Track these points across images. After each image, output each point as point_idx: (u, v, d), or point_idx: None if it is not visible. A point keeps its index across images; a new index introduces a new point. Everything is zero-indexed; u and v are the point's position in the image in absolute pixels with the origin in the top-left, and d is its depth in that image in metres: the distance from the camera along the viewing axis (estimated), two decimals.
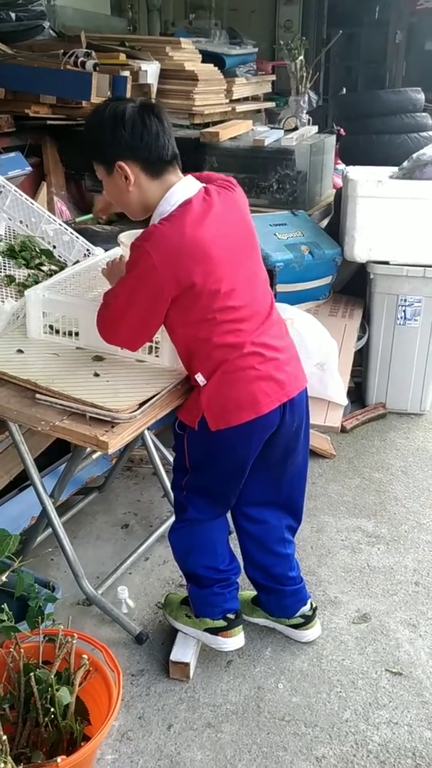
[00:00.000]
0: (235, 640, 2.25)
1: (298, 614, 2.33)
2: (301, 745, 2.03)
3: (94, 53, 3.69)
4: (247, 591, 2.44)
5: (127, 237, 2.36)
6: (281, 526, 2.26)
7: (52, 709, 1.77)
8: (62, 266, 2.56)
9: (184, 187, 1.92)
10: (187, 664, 2.21)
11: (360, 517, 3.03)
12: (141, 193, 1.93)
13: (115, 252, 2.54)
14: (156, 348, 2.13)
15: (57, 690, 1.78)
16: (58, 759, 1.67)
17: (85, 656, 1.85)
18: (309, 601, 2.35)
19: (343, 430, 3.62)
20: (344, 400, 3.39)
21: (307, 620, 2.34)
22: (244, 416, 1.93)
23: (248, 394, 1.92)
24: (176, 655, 2.23)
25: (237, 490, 2.12)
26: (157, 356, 2.13)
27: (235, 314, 1.90)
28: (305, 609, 2.33)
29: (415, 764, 1.98)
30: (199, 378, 1.94)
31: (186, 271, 1.81)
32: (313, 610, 2.35)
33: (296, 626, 2.35)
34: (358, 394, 3.97)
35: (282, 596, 2.32)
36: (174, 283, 1.82)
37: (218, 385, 1.92)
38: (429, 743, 2.04)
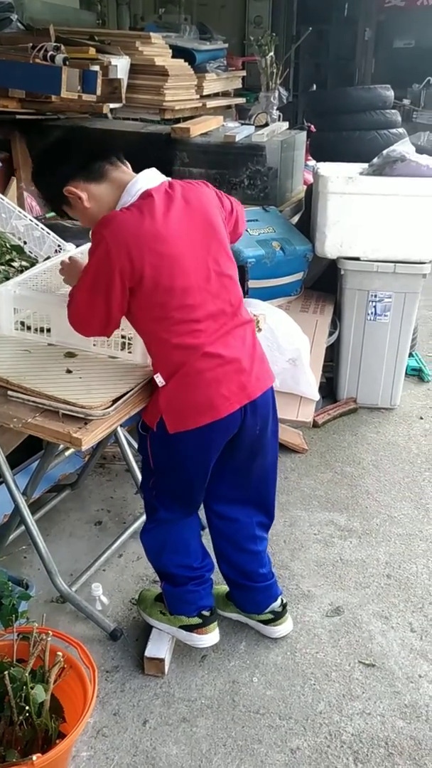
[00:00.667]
0: (210, 637, 2.26)
1: (267, 610, 2.34)
2: (276, 738, 2.05)
3: (63, 47, 3.66)
4: (221, 586, 2.45)
5: None
6: (252, 523, 2.27)
7: (27, 708, 1.76)
8: (33, 262, 2.54)
9: (146, 178, 1.92)
10: (162, 660, 2.21)
11: (332, 511, 3.06)
12: (98, 202, 1.94)
13: (86, 248, 2.53)
14: (129, 344, 2.13)
15: (32, 688, 1.77)
16: (33, 757, 1.67)
17: (59, 653, 1.85)
18: (280, 598, 2.36)
19: (315, 425, 3.64)
20: (316, 395, 3.41)
21: (277, 616, 2.35)
22: (201, 420, 1.92)
23: (206, 398, 1.91)
24: (151, 651, 2.23)
25: (202, 490, 2.13)
26: (130, 352, 2.12)
27: (193, 314, 1.88)
28: (275, 605, 2.34)
29: (388, 753, 2.01)
30: (158, 378, 1.94)
31: (139, 261, 1.80)
32: (283, 606, 2.36)
33: (266, 622, 2.36)
34: (329, 389, 3.99)
35: (253, 592, 2.33)
36: (128, 271, 1.81)
37: (176, 387, 1.92)
38: (401, 732, 2.07)
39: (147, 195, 1.86)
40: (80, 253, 2.51)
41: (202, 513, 2.29)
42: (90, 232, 1.93)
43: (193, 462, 2.03)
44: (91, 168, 1.92)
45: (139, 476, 2.87)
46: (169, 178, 1.97)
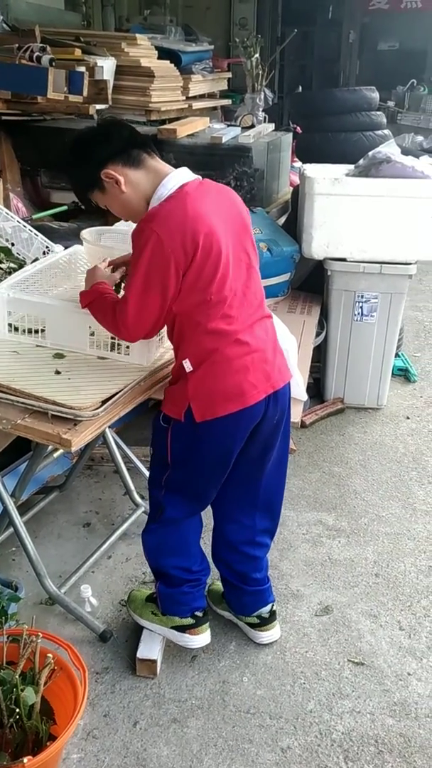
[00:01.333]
0: (202, 638, 2.26)
1: (255, 614, 2.34)
2: (267, 737, 2.06)
3: (49, 48, 3.65)
4: (219, 583, 2.44)
5: (89, 233, 2.35)
6: (255, 527, 2.25)
7: (17, 710, 1.76)
8: (21, 264, 2.53)
9: (179, 174, 1.96)
10: (154, 661, 2.21)
11: (320, 510, 3.07)
12: (135, 188, 1.95)
13: (75, 249, 2.53)
14: (119, 345, 2.13)
15: (22, 690, 1.77)
16: (24, 760, 1.66)
17: (49, 655, 1.84)
18: (271, 605, 2.35)
19: (303, 425, 3.66)
20: (304, 396, 3.42)
21: (263, 622, 2.34)
22: (230, 407, 1.92)
23: (235, 385, 1.92)
24: (143, 652, 2.23)
25: (218, 485, 2.11)
26: (119, 353, 2.12)
27: (228, 300, 1.90)
28: (264, 610, 2.33)
29: (378, 751, 2.02)
30: (186, 364, 1.93)
31: (192, 245, 1.82)
32: (271, 613, 2.35)
33: (252, 625, 2.36)
34: (316, 389, 4.01)
35: (242, 593, 2.33)
36: (182, 258, 1.83)
37: (205, 373, 1.91)
38: (391, 730, 2.09)
39: (183, 187, 1.91)
40: (68, 254, 2.51)
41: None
42: (131, 233, 1.92)
43: (218, 451, 2.01)
44: (130, 153, 1.95)
45: (128, 477, 2.89)
46: (200, 177, 2.00)
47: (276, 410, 2.05)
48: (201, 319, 1.89)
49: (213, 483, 2.10)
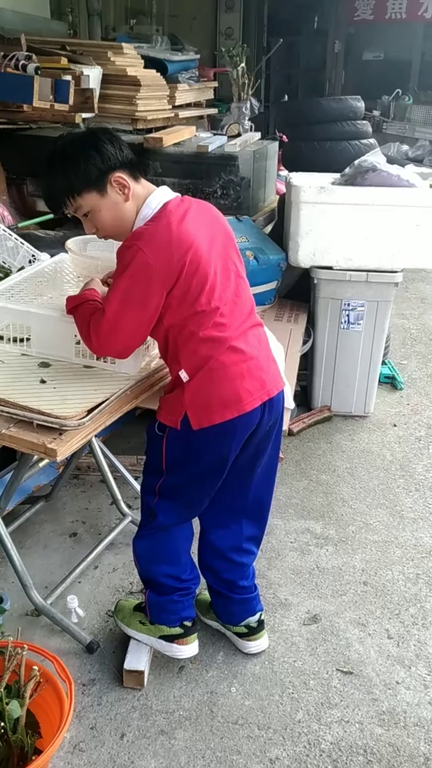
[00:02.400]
0: (191, 648, 2.25)
1: (242, 623, 2.32)
2: (255, 748, 2.04)
3: (35, 56, 3.65)
4: (207, 593, 2.43)
5: (74, 243, 2.35)
6: (241, 534, 2.24)
7: (2, 724, 1.73)
8: (7, 272, 2.52)
9: (161, 192, 1.99)
10: (141, 672, 2.19)
11: (308, 519, 3.07)
12: (135, 200, 1.96)
13: (61, 258, 2.52)
14: None
15: (7, 704, 1.75)
16: None
17: (35, 667, 1.82)
18: (259, 614, 2.34)
19: (290, 433, 3.66)
20: (291, 404, 3.42)
21: (251, 632, 2.33)
22: (227, 414, 1.92)
23: (232, 392, 1.92)
24: (130, 663, 2.21)
25: (212, 492, 2.10)
26: (113, 362, 2.11)
27: (219, 309, 1.91)
28: (251, 620, 2.32)
29: (367, 761, 2.01)
30: (183, 375, 1.93)
31: (179, 256, 1.84)
32: (259, 622, 2.34)
33: (240, 635, 2.35)
34: (303, 397, 4.01)
35: (229, 602, 2.32)
36: (168, 272, 1.84)
37: (202, 381, 1.91)
38: (380, 739, 2.08)
39: (165, 206, 1.93)
40: (54, 263, 2.50)
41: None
42: (116, 250, 1.91)
43: (214, 458, 2.01)
44: (135, 165, 1.97)
45: (115, 487, 2.87)
46: (178, 194, 2.02)
47: (270, 418, 2.05)
48: (194, 328, 1.90)
49: (207, 490, 2.10)
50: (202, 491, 2.10)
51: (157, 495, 2.10)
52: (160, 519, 2.12)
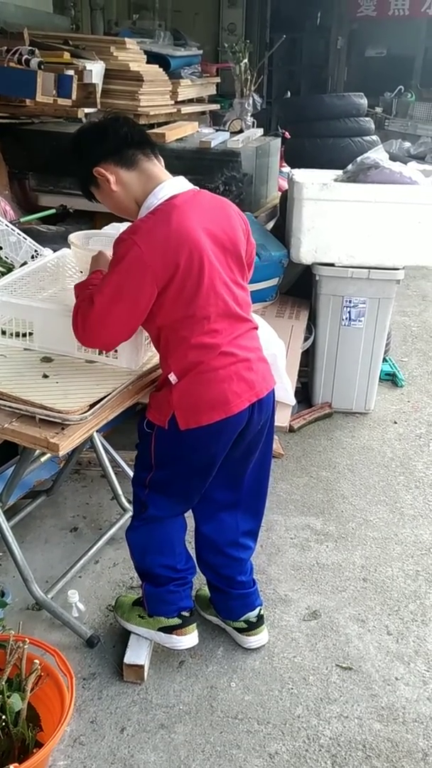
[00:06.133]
0: (190, 638, 2.25)
1: (242, 618, 2.33)
2: (254, 743, 2.05)
3: (38, 51, 3.65)
4: (207, 588, 2.44)
5: (77, 238, 2.35)
6: (237, 529, 2.25)
7: (3, 717, 1.74)
8: (9, 268, 2.52)
9: (173, 183, 1.96)
10: (141, 667, 2.20)
11: (308, 515, 3.07)
12: (125, 189, 1.96)
13: (64, 253, 2.53)
14: None
15: (8, 697, 1.75)
16: (10, 767, 1.64)
17: (36, 661, 1.83)
18: (258, 609, 2.35)
19: (291, 429, 3.66)
20: (292, 400, 3.42)
21: (251, 627, 2.34)
22: (214, 416, 1.92)
23: (219, 394, 1.92)
24: (130, 657, 2.22)
25: (202, 488, 2.11)
26: (115, 357, 2.11)
27: (212, 316, 1.90)
28: (251, 615, 2.33)
29: (366, 756, 2.02)
30: (172, 377, 1.93)
31: (173, 253, 1.82)
32: (259, 617, 2.35)
33: (240, 630, 2.35)
34: (304, 394, 4.02)
35: (228, 598, 2.33)
36: (161, 269, 1.82)
37: (190, 383, 1.92)
38: (378, 735, 2.08)
39: (173, 199, 1.90)
40: (56, 257, 2.51)
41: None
42: (113, 242, 1.91)
43: (202, 458, 2.01)
44: (123, 153, 1.95)
45: (116, 482, 2.88)
46: (197, 187, 2.00)
47: (261, 417, 2.05)
48: (186, 333, 1.90)
49: (196, 487, 2.11)
50: (191, 487, 2.11)
51: (148, 487, 2.12)
52: (151, 510, 2.14)
